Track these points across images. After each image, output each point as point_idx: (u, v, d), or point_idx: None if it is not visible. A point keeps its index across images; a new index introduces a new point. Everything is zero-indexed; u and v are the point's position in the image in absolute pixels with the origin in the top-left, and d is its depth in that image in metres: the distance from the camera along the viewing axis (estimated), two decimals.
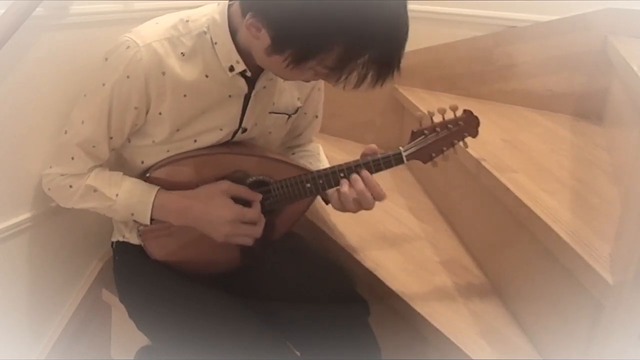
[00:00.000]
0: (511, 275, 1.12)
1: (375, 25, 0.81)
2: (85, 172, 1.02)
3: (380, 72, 0.86)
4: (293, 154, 1.24)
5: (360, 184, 0.98)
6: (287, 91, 1.10)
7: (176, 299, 1.01)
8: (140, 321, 1.07)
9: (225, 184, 1.00)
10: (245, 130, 1.06)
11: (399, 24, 0.84)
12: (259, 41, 0.87)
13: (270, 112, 1.08)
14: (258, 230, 1.01)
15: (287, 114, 1.12)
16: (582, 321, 0.88)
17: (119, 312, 1.31)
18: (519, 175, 1.12)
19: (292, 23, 0.82)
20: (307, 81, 0.97)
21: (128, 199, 1.01)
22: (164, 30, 0.96)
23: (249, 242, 1.02)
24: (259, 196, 1.02)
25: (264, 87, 1.03)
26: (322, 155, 1.24)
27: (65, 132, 1.01)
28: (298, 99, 1.13)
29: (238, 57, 0.96)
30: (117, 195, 1.01)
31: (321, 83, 1.17)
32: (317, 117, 1.22)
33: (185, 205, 1.00)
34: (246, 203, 1.01)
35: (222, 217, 0.98)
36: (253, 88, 1.01)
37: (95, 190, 1.02)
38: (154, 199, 1.00)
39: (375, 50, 0.84)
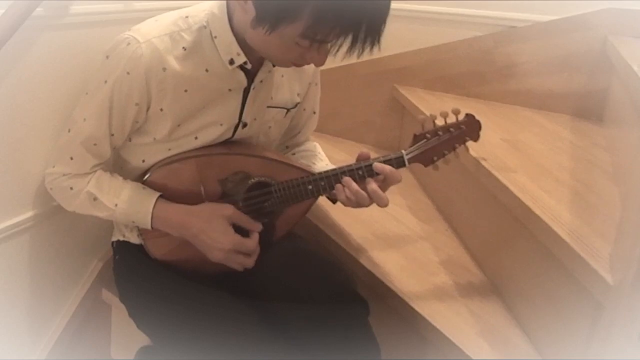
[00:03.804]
0: (511, 275, 1.12)
1: None
2: (87, 172, 1.03)
3: (356, 42, 0.86)
4: (293, 154, 1.24)
5: (353, 185, 0.99)
6: (286, 85, 1.11)
7: (176, 299, 1.02)
8: (140, 320, 1.07)
9: (230, 210, 1.01)
10: (245, 125, 1.06)
11: None
12: (247, 15, 0.89)
13: (268, 107, 1.09)
14: (251, 262, 1.02)
15: (286, 109, 1.12)
16: (582, 321, 0.88)
17: (119, 312, 1.31)
18: (518, 175, 1.12)
19: None
20: (298, 65, 0.96)
21: (127, 208, 1.01)
22: (164, 26, 0.96)
23: (239, 269, 1.02)
24: (259, 227, 1.03)
25: (261, 81, 1.04)
26: (322, 154, 1.24)
27: (69, 131, 1.01)
28: (298, 94, 1.13)
29: (239, 49, 0.96)
30: (116, 205, 1.01)
31: (318, 78, 1.18)
32: (314, 113, 1.23)
33: (185, 221, 1.01)
34: (245, 230, 1.02)
35: (219, 242, 0.99)
36: (252, 82, 1.02)
37: (95, 199, 1.02)
38: (153, 209, 1.00)
39: (349, 18, 0.84)
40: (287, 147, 1.25)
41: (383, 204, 0.99)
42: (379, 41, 0.88)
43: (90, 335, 1.40)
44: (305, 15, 0.83)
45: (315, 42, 0.88)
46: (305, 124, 1.23)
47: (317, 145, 1.27)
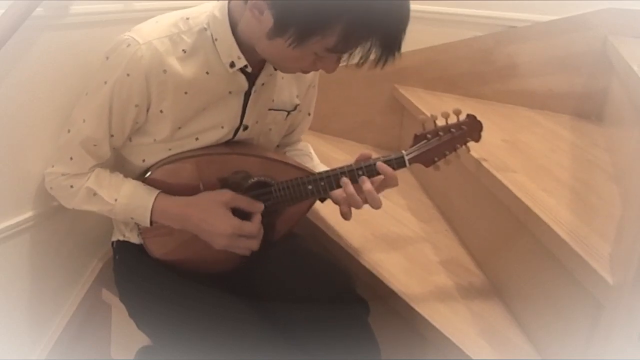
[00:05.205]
0: (511, 275, 1.12)
1: (377, 5, 0.82)
2: (86, 172, 1.03)
3: (382, 52, 0.87)
4: (284, 153, 1.24)
5: (349, 188, 0.99)
6: (286, 88, 1.11)
7: (176, 299, 1.02)
8: (140, 320, 1.07)
9: (228, 195, 1.00)
10: (246, 127, 1.06)
11: (400, 4, 0.85)
12: (262, 25, 0.88)
13: (269, 109, 1.09)
14: (255, 244, 1.02)
15: (286, 111, 1.12)
16: (582, 321, 0.88)
17: (119, 312, 1.31)
18: (519, 175, 1.12)
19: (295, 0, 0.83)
20: (306, 72, 0.96)
21: (127, 204, 1.01)
22: (165, 28, 0.96)
23: (246, 253, 1.02)
24: (261, 207, 1.02)
25: (263, 84, 1.03)
26: (313, 153, 1.25)
27: (68, 131, 1.01)
28: (297, 96, 1.13)
29: (239, 53, 0.96)
30: (116, 200, 1.01)
31: (316, 80, 1.18)
32: (309, 114, 1.23)
33: (185, 212, 1.01)
34: (247, 213, 1.01)
35: (219, 229, 0.99)
36: (253, 85, 1.02)
37: (94, 194, 1.02)
38: (153, 204, 1.00)
39: (377, 30, 0.85)
40: (278, 146, 1.25)
41: (377, 206, 0.99)
42: (399, 49, 0.88)
43: (90, 335, 1.40)
44: (337, 30, 0.83)
45: (343, 54, 0.88)
46: (299, 125, 1.23)
47: (309, 145, 1.27)
